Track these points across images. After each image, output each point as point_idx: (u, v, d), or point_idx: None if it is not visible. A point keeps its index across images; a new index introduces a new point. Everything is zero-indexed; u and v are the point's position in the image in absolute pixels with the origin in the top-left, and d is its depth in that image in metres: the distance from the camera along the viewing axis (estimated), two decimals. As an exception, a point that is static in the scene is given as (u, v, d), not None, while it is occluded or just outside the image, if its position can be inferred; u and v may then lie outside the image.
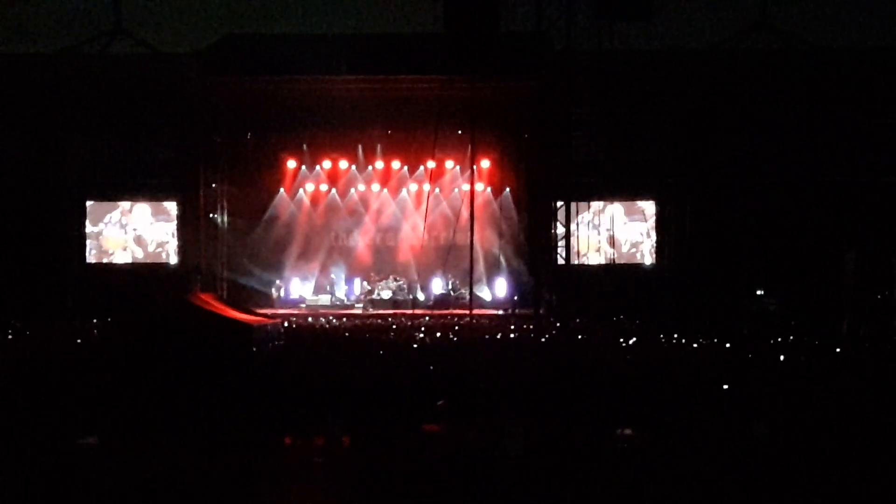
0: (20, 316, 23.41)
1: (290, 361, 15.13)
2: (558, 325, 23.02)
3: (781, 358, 15.70)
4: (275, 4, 36.47)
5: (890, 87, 27.57)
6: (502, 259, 29.75)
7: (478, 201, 27.09)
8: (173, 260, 29.24)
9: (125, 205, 29.45)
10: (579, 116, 27.16)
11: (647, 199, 28.86)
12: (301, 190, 31.07)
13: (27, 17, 33.25)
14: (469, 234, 24.60)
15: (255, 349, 15.11)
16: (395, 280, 30.22)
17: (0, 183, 28.59)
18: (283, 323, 19.31)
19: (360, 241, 31.18)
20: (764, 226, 27.53)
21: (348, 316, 26.32)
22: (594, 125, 27.84)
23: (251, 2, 38.53)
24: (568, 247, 25.08)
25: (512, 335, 20.46)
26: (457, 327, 22.00)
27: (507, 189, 30.49)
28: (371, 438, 10.61)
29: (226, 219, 29.87)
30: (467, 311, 24.67)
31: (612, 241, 28.27)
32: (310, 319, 25.18)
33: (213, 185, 29.29)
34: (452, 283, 29.74)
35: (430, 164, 28.70)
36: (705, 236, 28.00)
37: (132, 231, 29.47)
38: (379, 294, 29.90)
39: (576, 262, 26.38)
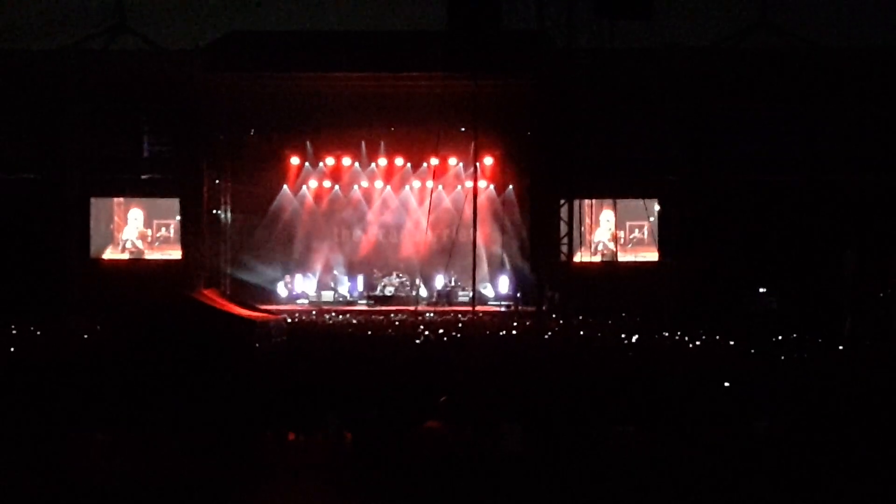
0: (24, 312, 23.47)
1: (293, 358, 15.20)
2: (560, 322, 23.08)
3: (782, 356, 15.77)
4: (278, 1, 36.43)
5: (889, 86, 27.58)
6: (505, 256, 29.78)
7: (481, 199, 27.15)
8: (177, 256, 29.27)
9: (128, 201, 29.52)
10: (581, 114, 27.18)
11: (649, 196, 28.87)
12: (304, 187, 31.07)
13: (30, 12, 33.25)
14: (472, 231, 24.71)
15: (257, 345, 15.19)
16: (398, 277, 30.23)
17: (3, 179, 28.68)
18: (285, 319, 19.36)
19: (363, 238, 31.22)
20: (765, 224, 27.56)
21: (351, 312, 26.37)
22: (596, 123, 27.86)
23: (255, -2, 38.49)
24: (570, 244, 25.13)
25: (514, 332, 20.52)
26: (459, 324, 22.06)
27: (510, 186, 30.46)
28: (373, 435, 10.68)
29: (229, 215, 29.93)
30: (470, 308, 24.75)
31: (615, 239, 28.31)
32: (313, 315, 25.27)
33: (217, 182, 29.34)
34: (455, 280, 29.77)
35: (433, 161, 28.68)
36: (707, 234, 28.02)
37: (135, 227, 29.56)
38: (382, 291, 29.96)
39: (578, 260, 26.44)
